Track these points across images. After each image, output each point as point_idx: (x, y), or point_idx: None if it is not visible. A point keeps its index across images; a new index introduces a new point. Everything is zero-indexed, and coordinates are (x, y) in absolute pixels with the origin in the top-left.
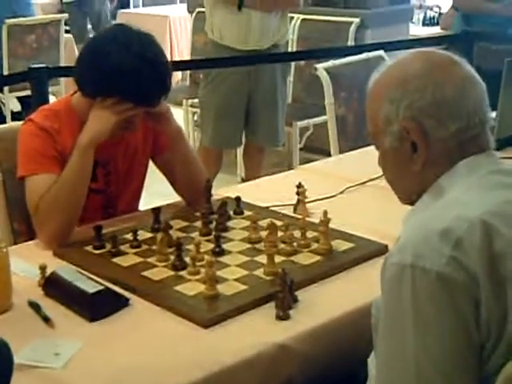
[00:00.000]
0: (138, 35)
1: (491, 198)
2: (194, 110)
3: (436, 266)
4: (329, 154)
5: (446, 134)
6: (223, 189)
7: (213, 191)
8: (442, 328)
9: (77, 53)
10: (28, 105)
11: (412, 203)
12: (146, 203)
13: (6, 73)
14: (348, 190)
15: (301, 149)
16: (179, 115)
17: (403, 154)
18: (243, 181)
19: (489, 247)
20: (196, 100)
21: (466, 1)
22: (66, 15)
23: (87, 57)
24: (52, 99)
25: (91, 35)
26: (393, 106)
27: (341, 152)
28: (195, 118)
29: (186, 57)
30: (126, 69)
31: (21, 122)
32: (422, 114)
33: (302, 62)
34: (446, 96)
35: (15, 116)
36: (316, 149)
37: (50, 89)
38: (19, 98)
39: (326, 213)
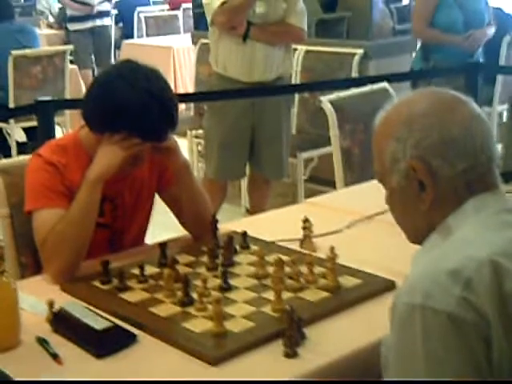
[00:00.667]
0: (145, 71)
1: (499, 238)
2: (199, 140)
3: (446, 306)
4: (334, 185)
5: (453, 173)
6: (229, 223)
7: (218, 225)
8: (453, 368)
9: (82, 83)
10: (33, 135)
11: (420, 242)
12: (150, 234)
13: (11, 103)
14: (355, 224)
15: (305, 179)
16: (183, 146)
17: (411, 192)
18: (248, 212)
19: (498, 288)
20: (200, 131)
21: (427, 32)
22: (71, 47)
23: (94, 93)
24: (57, 129)
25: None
26: (399, 145)
27: (346, 184)
28: (199, 148)
29: (190, 87)
30: (134, 105)
31: (28, 156)
32: (428, 153)
33: (306, 93)
34: (453, 135)
35: (20, 146)
36: (321, 179)
37: (56, 119)
38: (24, 129)
39: (332, 249)
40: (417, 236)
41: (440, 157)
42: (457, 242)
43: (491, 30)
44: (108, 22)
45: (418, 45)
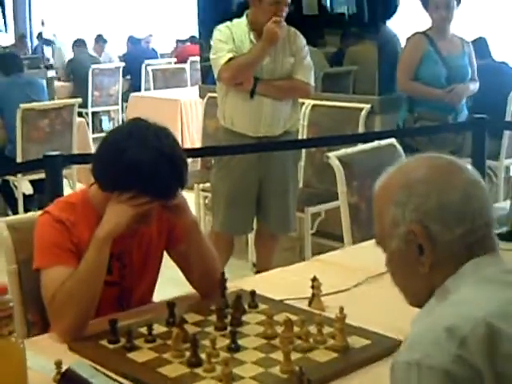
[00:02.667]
0: (155, 129)
1: (496, 298)
2: (206, 194)
3: (442, 364)
4: (341, 240)
5: (452, 238)
6: (237, 280)
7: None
8: None
9: (90, 136)
10: (40, 188)
11: (420, 306)
12: (158, 289)
13: (19, 156)
14: (363, 282)
15: (313, 234)
16: (190, 199)
17: (410, 256)
18: (254, 266)
19: (493, 348)
20: (207, 184)
21: (410, 85)
22: (79, 99)
23: (105, 152)
24: (65, 182)
25: None
26: (399, 209)
27: (354, 240)
28: (206, 202)
29: (197, 140)
30: (144, 164)
31: (37, 213)
32: (427, 218)
33: (313, 148)
34: (451, 201)
35: (27, 199)
36: (328, 234)
37: (63, 172)
38: (31, 181)
39: (342, 309)
40: (417, 299)
41: (439, 221)
42: (454, 302)
43: (475, 86)
44: None
45: None
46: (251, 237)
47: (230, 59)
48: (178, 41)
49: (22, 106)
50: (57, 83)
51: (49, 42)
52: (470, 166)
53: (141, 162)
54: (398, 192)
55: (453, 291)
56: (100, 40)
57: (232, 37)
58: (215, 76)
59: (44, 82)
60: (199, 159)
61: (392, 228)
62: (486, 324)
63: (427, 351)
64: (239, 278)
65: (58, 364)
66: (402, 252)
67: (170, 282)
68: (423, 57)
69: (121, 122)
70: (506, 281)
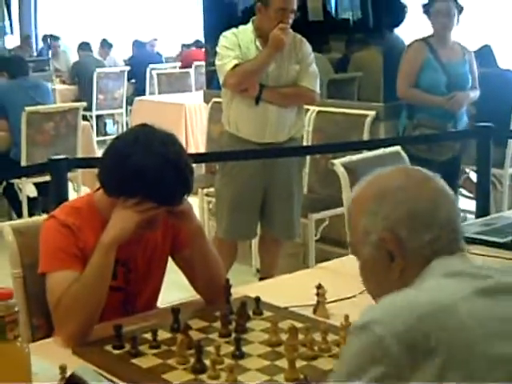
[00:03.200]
0: (161, 135)
1: (461, 287)
2: (210, 199)
3: (385, 332)
4: (345, 246)
5: (421, 244)
6: (241, 286)
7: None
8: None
9: (94, 139)
10: (45, 190)
11: None
12: (162, 293)
13: (24, 160)
14: None
15: (316, 240)
16: (194, 204)
17: (381, 263)
18: (258, 272)
19: (448, 328)
20: (211, 189)
21: (410, 92)
22: (84, 103)
23: (110, 158)
24: (69, 185)
25: None
26: (371, 218)
27: None
28: (210, 206)
29: (201, 144)
30: (149, 170)
31: (42, 217)
32: (397, 225)
33: (318, 154)
34: (420, 208)
35: (31, 201)
36: (332, 240)
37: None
38: (36, 184)
39: (347, 317)
40: None
41: (407, 228)
42: (419, 288)
43: (475, 93)
44: None
45: None
46: (255, 242)
47: (236, 65)
48: (183, 45)
49: (27, 108)
50: (62, 86)
51: (56, 38)
52: (438, 177)
53: (146, 167)
54: (370, 202)
55: (419, 284)
56: (105, 45)
57: (238, 43)
58: (221, 82)
59: (49, 85)
60: (203, 164)
61: (364, 236)
62: (446, 306)
63: (378, 318)
64: (242, 284)
65: (63, 369)
66: (374, 259)
67: (175, 287)
68: (423, 64)
69: (125, 126)
70: (474, 273)
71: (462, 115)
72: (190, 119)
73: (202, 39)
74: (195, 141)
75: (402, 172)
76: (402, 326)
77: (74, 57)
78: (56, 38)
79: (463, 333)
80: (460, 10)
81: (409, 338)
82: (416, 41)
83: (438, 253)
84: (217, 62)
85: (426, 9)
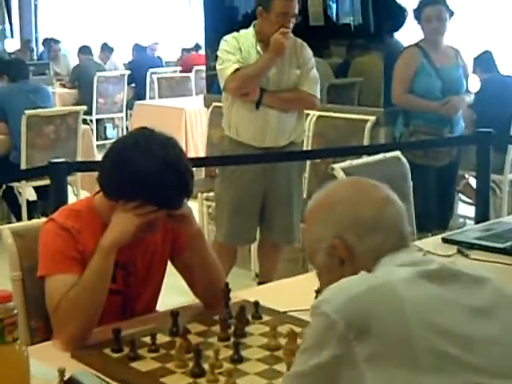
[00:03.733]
0: (161, 139)
1: (406, 271)
2: (209, 203)
3: (329, 309)
4: None
5: (368, 247)
6: (240, 290)
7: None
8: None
9: (94, 143)
10: (44, 194)
11: None
12: (161, 297)
13: (23, 163)
14: None
15: None
16: (194, 208)
17: (334, 268)
18: (257, 276)
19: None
20: (211, 193)
21: (405, 98)
22: (84, 107)
23: (110, 161)
24: (69, 189)
25: None
26: (321, 227)
27: None
28: (210, 211)
29: (201, 149)
30: (150, 173)
31: (42, 220)
32: (345, 232)
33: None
34: (365, 215)
35: (31, 205)
36: None
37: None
38: (35, 187)
39: None
40: None
41: (355, 234)
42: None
43: (470, 97)
44: None
45: None
46: (254, 246)
47: (237, 70)
48: (183, 49)
49: (27, 112)
50: (62, 90)
51: (56, 41)
52: (385, 185)
53: (146, 171)
54: (321, 212)
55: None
56: (106, 48)
57: (239, 47)
58: (221, 86)
59: (50, 89)
60: (203, 168)
61: (317, 245)
62: (385, 283)
63: (326, 297)
64: (241, 288)
65: (61, 372)
66: (327, 266)
67: (174, 290)
68: (417, 69)
69: (125, 130)
70: (419, 261)
71: (459, 120)
72: (190, 124)
73: (203, 43)
74: (195, 145)
75: (350, 182)
76: (341, 303)
77: (74, 60)
78: (56, 42)
79: (399, 306)
80: (451, 14)
81: (347, 314)
82: (409, 46)
83: (385, 253)
84: (217, 67)
85: (417, 14)
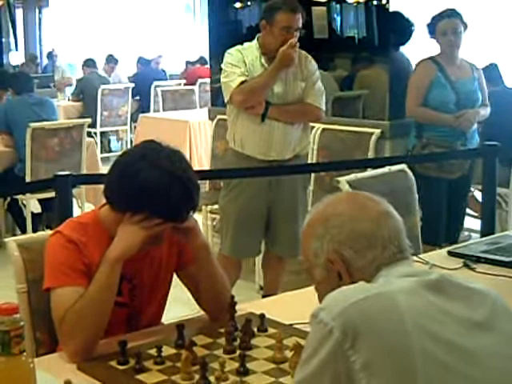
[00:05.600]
0: (167, 152)
1: (404, 283)
2: (214, 216)
3: (327, 317)
4: None
5: (366, 262)
6: (246, 303)
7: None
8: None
9: (98, 156)
10: (48, 207)
11: None
12: (167, 309)
13: (28, 176)
14: None
15: None
16: (198, 221)
17: (332, 283)
18: (261, 289)
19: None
20: (215, 206)
21: (419, 111)
22: (89, 120)
23: (117, 174)
24: (74, 202)
25: None
26: (318, 242)
27: None
28: (214, 223)
29: (205, 161)
30: (156, 186)
31: (48, 233)
32: (342, 246)
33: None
34: (362, 229)
35: (35, 217)
36: None
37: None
38: (39, 200)
39: None
40: None
41: (351, 248)
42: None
43: (486, 111)
44: None
45: None
46: (258, 259)
47: (242, 82)
48: (187, 62)
49: (32, 125)
50: (66, 102)
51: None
52: (383, 199)
53: (152, 184)
54: (317, 226)
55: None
56: (111, 60)
57: (243, 60)
58: (226, 99)
59: (54, 102)
60: (208, 181)
61: (314, 259)
62: (382, 293)
63: (324, 305)
64: (245, 300)
65: None
66: (324, 280)
67: (179, 303)
68: (432, 82)
69: (129, 143)
70: (418, 272)
71: (473, 133)
72: (194, 136)
73: (207, 56)
74: (199, 158)
75: (347, 197)
76: (339, 311)
77: (79, 73)
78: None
79: (398, 315)
80: (465, 27)
81: (344, 322)
82: (424, 60)
83: (383, 266)
84: (222, 79)
85: (431, 28)
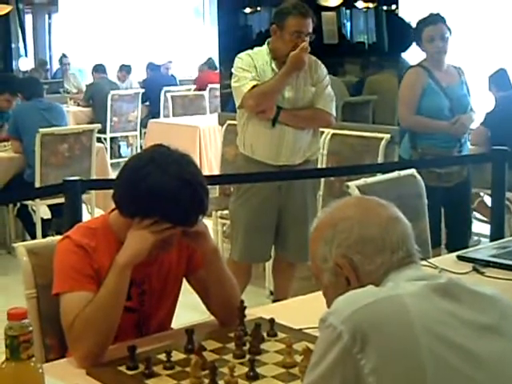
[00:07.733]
0: (176, 156)
1: (413, 287)
2: (224, 221)
3: (336, 321)
4: None
5: (374, 267)
6: (255, 308)
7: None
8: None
9: (108, 162)
10: (58, 212)
11: None
12: (176, 314)
13: (38, 182)
14: None
15: None
16: (208, 226)
17: (340, 287)
18: (271, 294)
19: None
20: (226, 211)
21: (413, 119)
22: (99, 125)
23: (126, 178)
24: (83, 207)
25: None
26: (327, 246)
27: None
28: (225, 229)
29: (215, 167)
30: (165, 190)
31: (57, 238)
32: (350, 251)
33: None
34: (370, 234)
35: (45, 223)
36: None
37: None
38: (49, 205)
39: None
40: None
41: (360, 253)
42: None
43: (475, 115)
44: None
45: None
46: (268, 264)
47: (253, 87)
48: (200, 65)
49: (41, 130)
50: (75, 108)
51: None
52: (391, 204)
53: (162, 188)
54: (326, 231)
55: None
56: (124, 68)
57: (254, 65)
58: (237, 104)
59: (64, 107)
60: (217, 186)
61: (322, 264)
62: (390, 297)
63: (334, 309)
64: (255, 305)
65: None
66: (332, 284)
67: (188, 308)
68: (425, 90)
69: (139, 148)
70: (428, 276)
71: (466, 139)
72: (204, 141)
73: (216, 59)
74: (209, 163)
75: (355, 201)
76: (348, 314)
77: (88, 79)
78: (65, 56)
79: (407, 318)
80: (450, 32)
81: (353, 325)
82: (412, 66)
83: (391, 270)
84: (233, 84)
85: (417, 34)
